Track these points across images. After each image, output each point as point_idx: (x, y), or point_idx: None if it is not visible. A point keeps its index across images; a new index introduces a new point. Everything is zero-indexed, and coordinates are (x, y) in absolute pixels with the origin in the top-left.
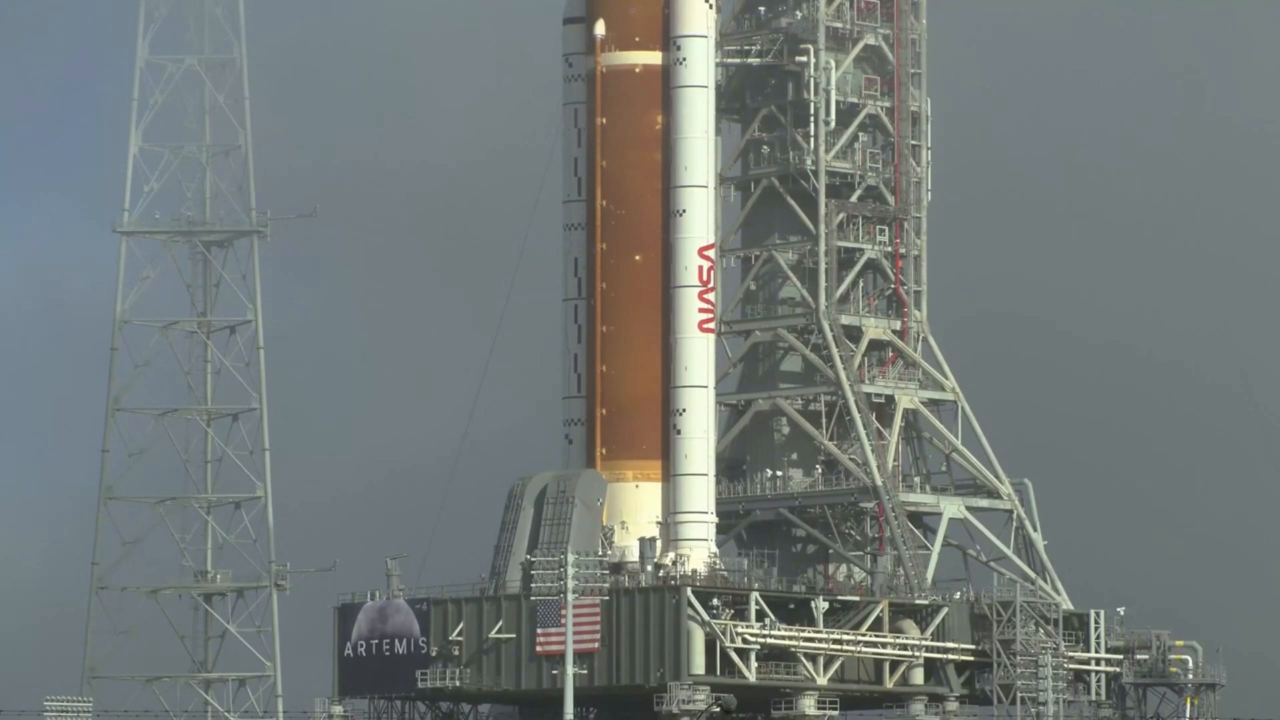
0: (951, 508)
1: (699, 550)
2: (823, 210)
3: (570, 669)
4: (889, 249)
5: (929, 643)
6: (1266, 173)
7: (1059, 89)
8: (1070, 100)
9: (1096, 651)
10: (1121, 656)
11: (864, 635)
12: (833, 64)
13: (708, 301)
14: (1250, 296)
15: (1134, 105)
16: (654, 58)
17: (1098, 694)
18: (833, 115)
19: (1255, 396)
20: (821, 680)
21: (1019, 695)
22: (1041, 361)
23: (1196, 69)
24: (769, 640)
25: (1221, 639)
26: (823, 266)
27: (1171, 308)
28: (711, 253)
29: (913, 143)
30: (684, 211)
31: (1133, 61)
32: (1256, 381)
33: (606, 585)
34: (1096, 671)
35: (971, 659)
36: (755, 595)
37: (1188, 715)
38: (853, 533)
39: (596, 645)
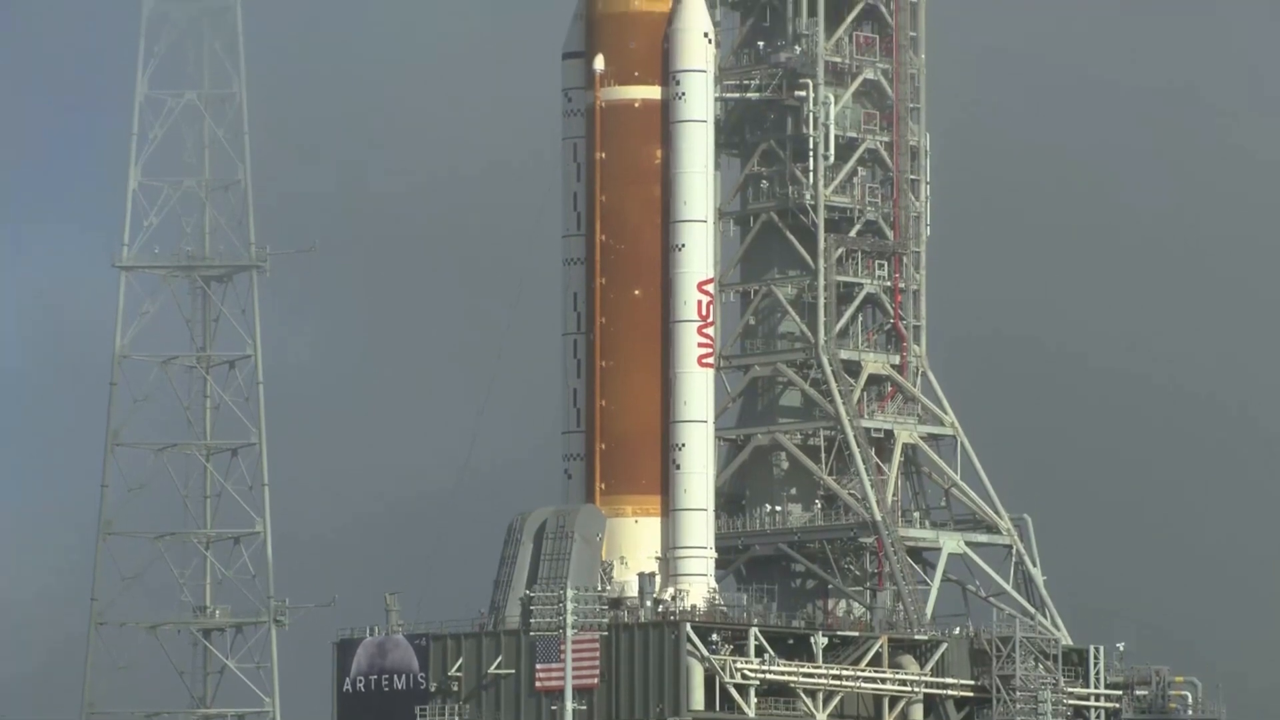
0: (951, 543)
1: (698, 585)
2: (822, 245)
3: (570, 704)
4: (888, 283)
5: (928, 678)
6: (1269, 199)
7: (1059, 122)
8: (1071, 133)
9: (1096, 687)
10: (1121, 692)
11: (863, 671)
12: (831, 99)
13: (707, 336)
14: (1258, 336)
15: (1135, 136)
16: (653, 92)
17: None
18: (831, 150)
19: (1261, 431)
20: (821, 716)
21: None
22: (1042, 396)
23: (1199, 100)
24: (768, 676)
25: (1221, 675)
26: (822, 301)
27: (1177, 344)
28: (710, 287)
29: (912, 177)
30: (683, 246)
31: (1133, 94)
32: (1260, 414)
33: (606, 620)
34: (1096, 707)
35: (971, 695)
36: (754, 630)
37: None
38: (852, 568)
39: (596, 681)
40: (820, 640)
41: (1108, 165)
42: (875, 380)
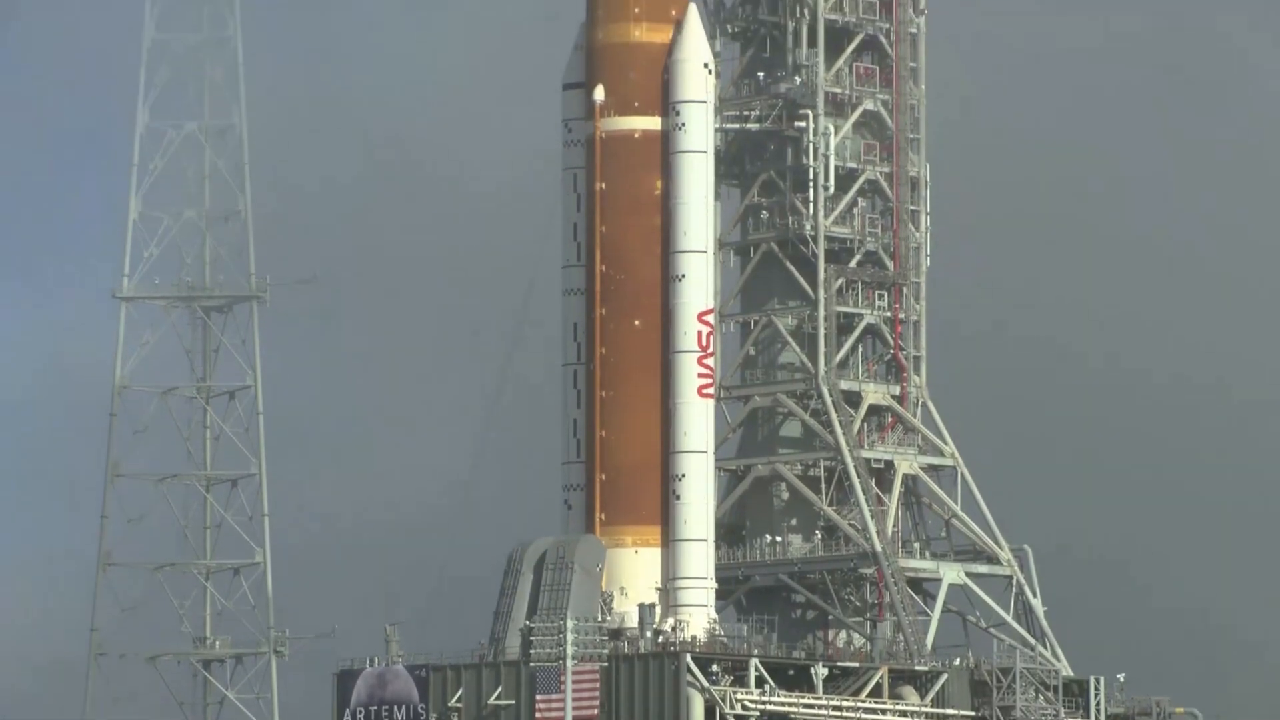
0: (951, 573)
1: (698, 616)
2: (822, 275)
3: None
4: (888, 314)
5: (929, 709)
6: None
7: (1061, 154)
8: (1072, 165)
9: (1097, 718)
10: None
11: (864, 701)
12: (831, 129)
13: (707, 367)
14: (1261, 348)
15: (1136, 165)
16: (653, 123)
17: None
18: (831, 180)
19: (1263, 443)
20: None
21: None
22: (1042, 427)
23: (1199, 101)
24: (769, 707)
25: (1220, 707)
26: (822, 332)
27: (1178, 361)
28: (711, 318)
29: (911, 208)
30: (683, 276)
31: (1135, 120)
32: (1263, 427)
33: (606, 651)
34: None
35: None
36: (755, 661)
37: None
38: (852, 598)
39: (596, 712)
40: (820, 671)
41: (1115, 201)
42: (875, 411)
